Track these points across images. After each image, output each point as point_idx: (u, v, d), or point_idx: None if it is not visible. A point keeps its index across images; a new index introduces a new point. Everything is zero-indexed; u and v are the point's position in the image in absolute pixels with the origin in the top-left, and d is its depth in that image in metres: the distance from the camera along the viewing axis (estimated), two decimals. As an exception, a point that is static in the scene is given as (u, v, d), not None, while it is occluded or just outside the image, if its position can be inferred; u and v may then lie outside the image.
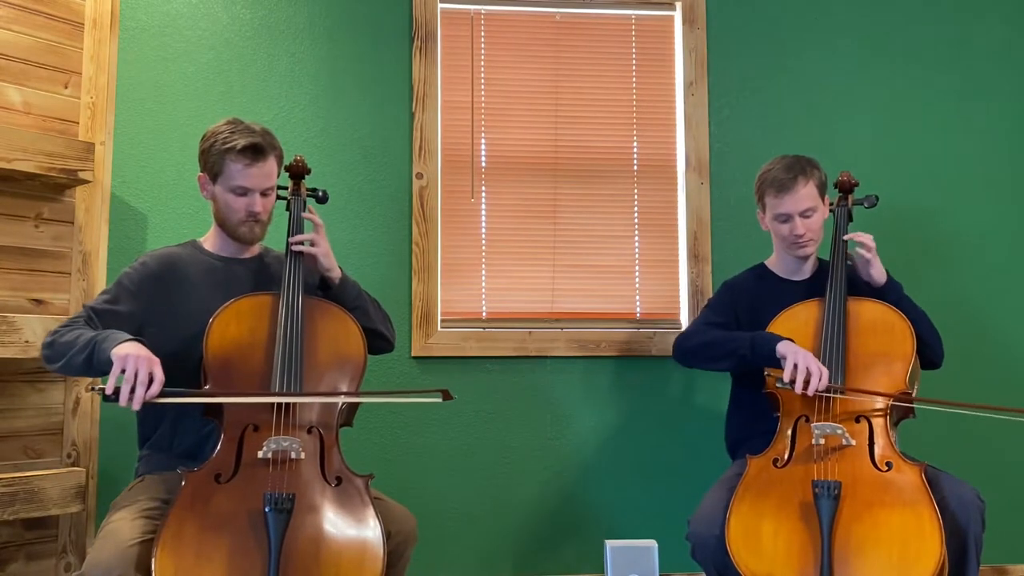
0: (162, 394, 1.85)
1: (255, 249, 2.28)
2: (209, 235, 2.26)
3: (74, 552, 2.61)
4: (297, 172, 2.30)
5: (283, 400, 1.96)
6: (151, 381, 1.83)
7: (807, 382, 2.10)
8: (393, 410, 2.90)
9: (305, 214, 2.25)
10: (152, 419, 2.13)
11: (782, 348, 2.18)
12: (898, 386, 2.16)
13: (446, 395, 1.99)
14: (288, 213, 2.26)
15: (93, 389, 1.87)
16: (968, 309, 3.08)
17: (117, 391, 1.82)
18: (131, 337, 1.92)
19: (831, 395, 2.14)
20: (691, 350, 2.41)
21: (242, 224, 2.16)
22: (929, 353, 2.32)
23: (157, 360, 1.87)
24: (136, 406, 1.82)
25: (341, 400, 2.01)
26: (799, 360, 2.12)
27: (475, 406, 2.95)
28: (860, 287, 2.37)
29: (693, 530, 2.12)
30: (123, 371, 1.83)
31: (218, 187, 2.15)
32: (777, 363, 2.18)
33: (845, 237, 2.36)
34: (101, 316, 2.04)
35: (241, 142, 2.10)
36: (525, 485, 2.94)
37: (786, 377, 2.12)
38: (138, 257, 2.20)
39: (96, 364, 1.90)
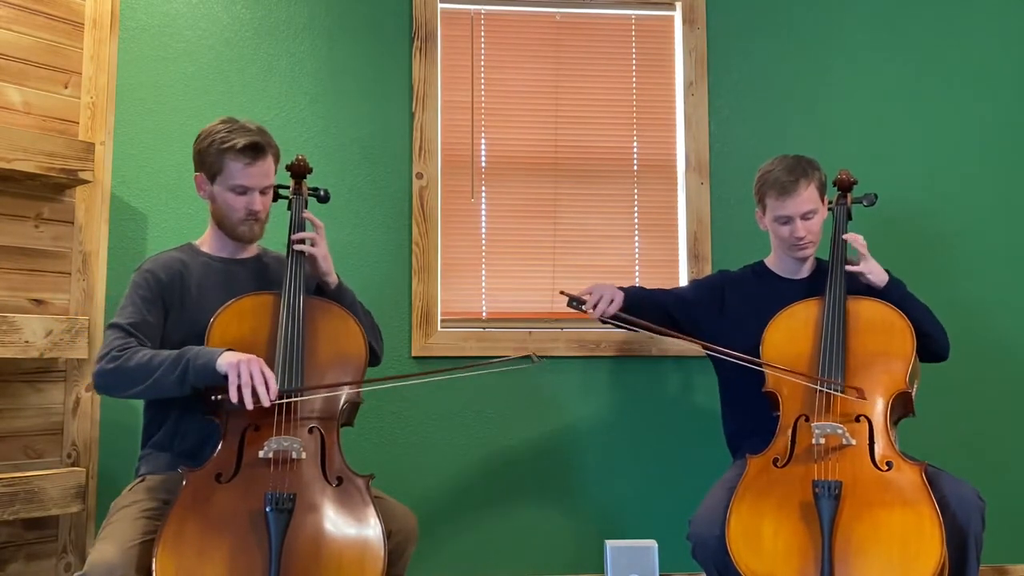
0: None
1: (253, 249, 2.28)
2: (206, 236, 2.25)
3: (74, 552, 2.61)
4: (299, 171, 2.30)
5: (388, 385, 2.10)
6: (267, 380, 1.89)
7: (596, 306, 2.32)
8: (394, 410, 2.90)
9: (305, 213, 2.25)
10: (158, 418, 2.13)
11: (594, 285, 2.36)
12: (898, 385, 2.16)
13: (534, 358, 2.08)
14: (289, 212, 2.26)
15: (215, 398, 1.89)
16: (967, 307, 3.08)
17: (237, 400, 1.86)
18: (224, 349, 1.95)
19: (829, 390, 2.14)
20: None
21: (242, 223, 2.16)
22: (934, 347, 2.32)
23: (262, 360, 1.91)
24: (266, 403, 1.86)
25: (441, 377, 2.07)
26: (596, 289, 2.34)
27: (475, 406, 2.95)
28: (860, 286, 2.37)
29: (693, 530, 2.12)
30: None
31: (217, 187, 2.15)
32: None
33: (844, 237, 2.36)
34: (141, 329, 2.03)
35: (241, 141, 2.10)
36: (525, 485, 2.94)
37: (580, 293, 2.33)
38: (140, 264, 2.18)
39: (192, 379, 1.91)
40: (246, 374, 1.86)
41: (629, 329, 2.38)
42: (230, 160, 2.11)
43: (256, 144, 2.12)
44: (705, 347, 2.32)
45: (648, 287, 2.60)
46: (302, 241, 2.18)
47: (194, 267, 2.18)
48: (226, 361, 1.89)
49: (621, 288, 2.42)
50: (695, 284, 2.62)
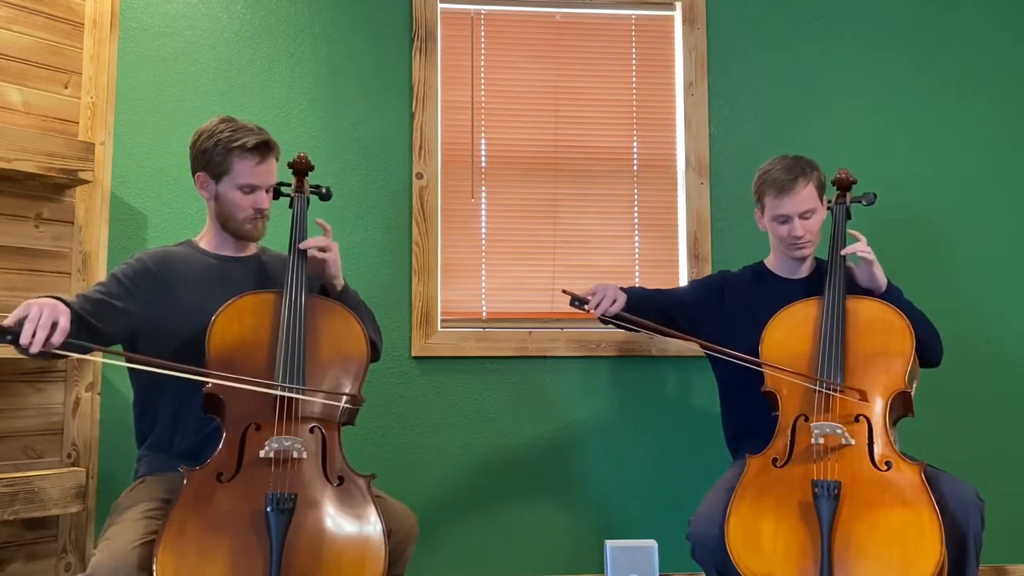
0: (67, 345, 1.79)
1: (252, 248, 2.28)
2: (205, 234, 2.25)
3: (74, 552, 2.61)
4: (300, 169, 2.29)
5: (229, 384, 1.92)
6: (55, 329, 1.76)
7: (598, 305, 2.28)
8: (394, 410, 2.90)
9: (318, 221, 2.23)
10: (149, 416, 2.13)
11: (597, 285, 2.35)
12: (897, 384, 2.16)
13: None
14: (291, 211, 2.25)
15: None
16: (966, 307, 3.09)
17: (19, 337, 1.74)
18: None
19: (828, 391, 2.14)
20: None
21: (248, 221, 2.17)
22: (928, 353, 2.32)
23: (67, 312, 1.80)
24: (34, 349, 1.74)
25: (296, 395, 1.96)
26: (599, 288, 2.32)
27: (475, 406, 2.95)
28: (859, 287, 2.37)
29: (693, 530, 2.13)
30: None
31: (223, 186, 2.15)
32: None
33: (843, 252, 2.34)
34: (92, 303, 1.98)
35: (250, 140, 2.11)
36: (525, 485, 2.94)
37: (584, 293, 2.31)
38: (133, 254, 2.19)
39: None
40: (35, 312, 1.75)
41: (630, 329, 2.36)
42: (239, 159, 2.11)
43: (266, 143, 2.14)
44: (704, 347, 2.32)
45: (648, 287, 2.60)
46: (309, 242, 2.15)
47: (191, 263, 2.18)
48: (30, 300, 1.80)
49: (622, 288, 2.42)
50: (694, 285, 2.62)
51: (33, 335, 1.74)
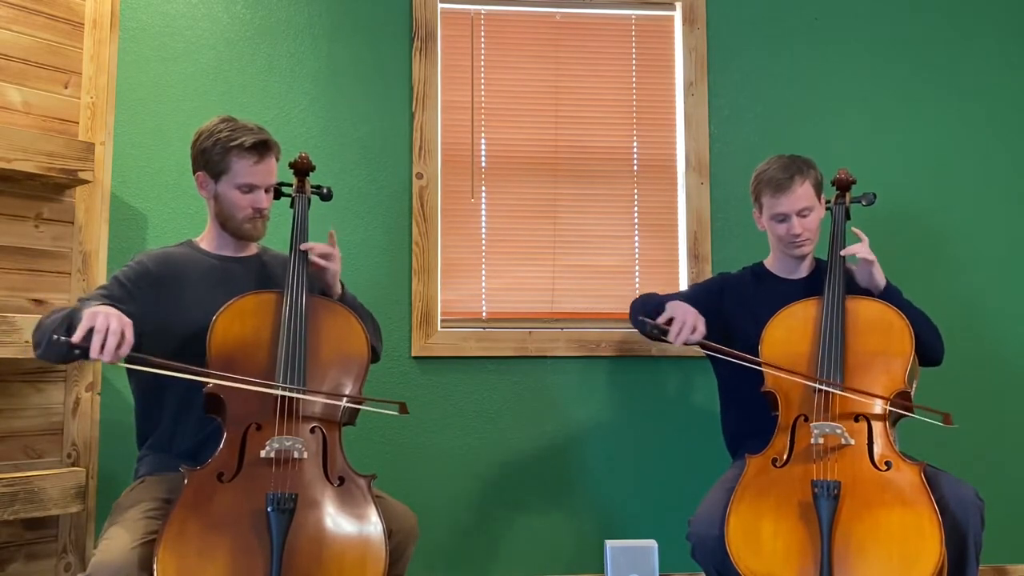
0: (131, 359, 1.81)
1: (253, 248, 2.28)
2: (206, 234, 2.25)
3: (74, 552, 2.61)
4: (302, 168, 2.28)
5: (266, 391, 1.93)
6: (122, 339, 1.77)
7: (679, 333, 2.16)
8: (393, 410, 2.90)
9: (331, 232, 2.22)
10: (153, 416, 2.13)
11: (669, 305, 2.24)
12: (897, 384, 2.17)
13: (403, 408, 2.01)
14: (292, 211, 2.24)
15: (56, 337, 1.78)
16: (965, 307, 3.09)
17: (86, 349, 1.75)
18: (109, 302, 1.90)
19: (829, 390, 2.14)
20: (631, 307, 2.46)
21: (247, 221, 2.16)
22: (929, 352, 2.33)
23: (130, 323, 1.81)
24: (107, 358, 1.75)
25: (317, 399, 1.97)
26: (677, 313, 2.19)
27: (475, 406, 2.95)
28: (858, 287, 2.37)
29: (693, 530, 2.13)
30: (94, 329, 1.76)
31: (222, 185, 2.15)
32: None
33: (842, 253, 2.34)
34: None
35: (249, 139, 2.11)
36: (525, 485, 2.95)
37: (661, 320, 2.18)
38: (134, 256, 2.19)
39: (72, 331, 1.81)
40: (102, 323, 1.76)
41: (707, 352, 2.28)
42: (237, 159, 2.11)
43: (264, 142, 2.13)
44: (704, 347, 2.32)
45: (648, 288, 2.60)
46: (312, 245, 2.15)
47: (191, 263, 2.18)
48: (92, 310, 1.80)
49: (641, 295, 2.40)
50: (694, 288, 2.62)
51: (103, 345, 1.75)
